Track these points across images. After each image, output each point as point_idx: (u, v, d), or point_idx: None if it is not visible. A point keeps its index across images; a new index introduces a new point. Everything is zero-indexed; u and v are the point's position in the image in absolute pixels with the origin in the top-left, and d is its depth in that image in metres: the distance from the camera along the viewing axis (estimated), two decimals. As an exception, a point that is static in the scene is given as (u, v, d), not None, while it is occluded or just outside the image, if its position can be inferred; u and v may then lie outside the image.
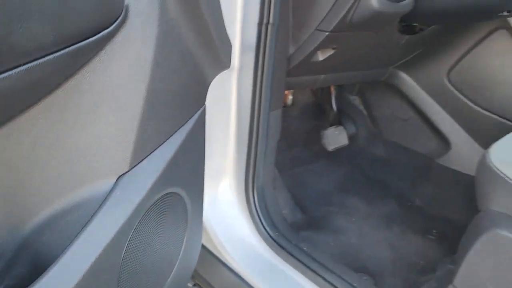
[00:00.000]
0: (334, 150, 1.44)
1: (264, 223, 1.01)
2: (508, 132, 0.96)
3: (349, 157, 1.51)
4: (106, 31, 0.43)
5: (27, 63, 0.35)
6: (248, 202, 1.02)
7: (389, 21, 0.96)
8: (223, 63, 0.65)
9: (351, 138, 1.51)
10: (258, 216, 1.01)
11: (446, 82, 1.32)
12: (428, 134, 1.44)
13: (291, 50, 0.97)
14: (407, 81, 1.40)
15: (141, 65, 0.49)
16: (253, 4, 0.84)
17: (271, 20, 0.84)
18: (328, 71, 1.13)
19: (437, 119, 1.38)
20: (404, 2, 0.87)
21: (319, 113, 1.56)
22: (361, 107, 1.59)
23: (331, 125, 1.46)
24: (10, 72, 0.34)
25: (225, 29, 0.64)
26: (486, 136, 1.27)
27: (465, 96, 1.29)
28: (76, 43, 0.39)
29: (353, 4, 0.83)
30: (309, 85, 1.16)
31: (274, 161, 1.05)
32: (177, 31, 0.54)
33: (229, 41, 0.65)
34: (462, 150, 1.35)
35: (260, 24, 0.85)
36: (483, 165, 0.82)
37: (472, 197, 0.89)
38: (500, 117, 1.24)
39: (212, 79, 0.67)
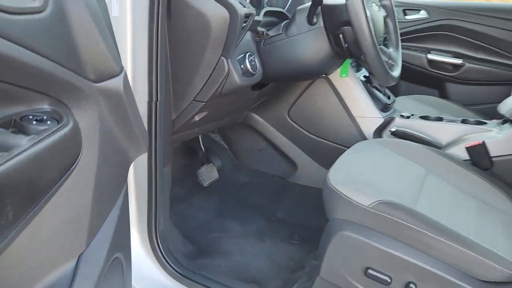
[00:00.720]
0: (208, 185, 1.69)
1: (169, 262, 1.20)
2: (337, 153, 1.35)
3: (221, 186, 1.77)
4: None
5: None
6: (153, 247, 1.19)
7: (248, 88, 1.26)
8: (143, 149, 0.83)
9: (219, 170, 1.77)
10: (164, 257, 1.19)
11: (287, 118, 1.70)
12: (280, 159, 1.80)
13: (173, 116, 1.19)
14: (259, 120, 1.74)
15: (89, 171, 0.64)
16: (142, 86, 1.03)
17: (159, 98, 1.04)
18: (201, 125, 1.37)
19: (284, 147, 1.74)
20: (256, 75, 1.18)
21: (190, 153, 1.79)
22: (223, 143, 1.88)
23: (202, 164, 1.71)
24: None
25: (142, 122, 0.83)
26: (323, 157, 1.68)
27: (303, 128, 1.69)
28: None
29: (222, 81, 1.10)
30: (186, 138, 1.39)
31: (169, 207, 1.25)
32: (112, 134, 0.71)
33: (145, 131, 0.84)
34: (306, 169, 1.74)
35: (149, 102, 1.04)
36: (325, 185, 1.17)
37: (319, 205, 1.23)
38: (330, 141, 1.66)
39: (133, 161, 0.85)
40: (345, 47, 1.22)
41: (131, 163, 0.85)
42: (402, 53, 1.65)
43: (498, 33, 2.20)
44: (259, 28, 1.26)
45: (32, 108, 0.51)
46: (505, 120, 1.50)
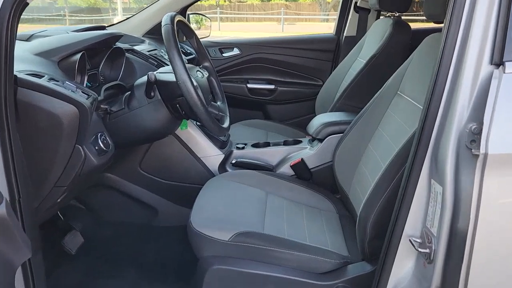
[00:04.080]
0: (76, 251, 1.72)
1: None
2: (191, 191, 1.55)
3: (87, 248, 1.81)
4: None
5: None
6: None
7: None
8: (27, 254, 0.91)
9: (84, 231, 1.81)
10: None
11: (140, 170, 1.84)
12: (140, 208, 1.92)
13: (36, 203, 1.24)
14: (112, 177, 1.84)
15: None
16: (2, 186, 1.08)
17: (21, 196, 1.10)
18: (62, 203, 1.43)
19: (142, 196, 1.88)
20: (109, 150, 1.31)
21: (47, 224, 1.78)
22: (79, 205, 1.92)
23: (65, 233, 1.73)
24: None
25: (23, 232, 0.91)
26: (179, 197, 1.87)
27: (156, 176, 1.85)
28: None
29: (80, 166, 1.20)
30: (48, 217, 1.43)
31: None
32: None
33: (28, 239, 0.92)
34: (167, 212, 1.91)
35: (12, 201, 1.09)
36: (190, 229, 1.37)
37: (186, 240, 1.41)
38: (183, 183, 1.86)
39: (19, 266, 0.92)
40: (183, 113, 1.44)
41: (17, 268, 0.92)
42: (226, 85, 1.94)
43: (296, 60, 2.71)
44: (102, 106, 1.39)
45: None
46: (313, 138, 1.92)
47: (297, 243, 1.34)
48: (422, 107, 1.02)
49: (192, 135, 1.82)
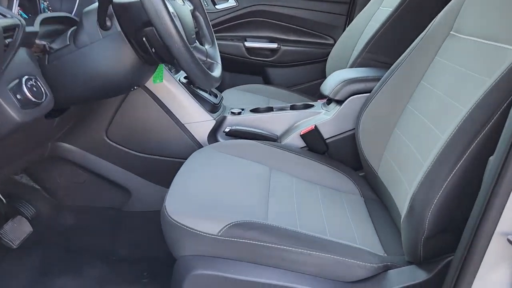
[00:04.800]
0: (20, 244, 1.32)
1: None
2: (173, 168, 1.16)
3: (39, 239, 1.42)
4: None
5: None
6: None
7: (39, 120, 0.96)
8: None
9: (34, 220, 1.41)
10: None
11: (107, 140, 1.43)
12: (108, 188, 1.52)
13: None
14: (71, 149, 1.42)
15: None
16: None
17: None
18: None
19: (110, 174, 1.48)
20: (43, 103, 0.89)
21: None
22: (33, 184, 1.51)
23: (6, 220, 1.33)
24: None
25: None
26: (157, 175, 1.47)
27: (127, 147, 1.44)
28: None
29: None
30: None
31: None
32: None
33: None
34: (142, 193, 1.51)
35: None
36: (164, 219, 0.97)
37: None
38: (162, 157, 1.45)
39: None
40: (153, 52, 1.02)
41: None
42: (220, 44, 1.54)
43: (303, 13, 2.27)
44: (37, 41, 0.96)
45: None
46: (329, 100, 1.51)
47: (316, 239, 0.95)
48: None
49: (173, 93, 1.41)
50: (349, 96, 1.41)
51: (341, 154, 1.43)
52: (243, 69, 2.34)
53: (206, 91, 1.53)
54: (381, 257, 0.95)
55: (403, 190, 1.05)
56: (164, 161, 1.45)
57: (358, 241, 1.00)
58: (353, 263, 0.91)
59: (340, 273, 0.91)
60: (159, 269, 1.38)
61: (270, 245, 0.90)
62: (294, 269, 0.91)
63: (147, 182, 1.50)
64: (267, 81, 2.36)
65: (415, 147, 1.07)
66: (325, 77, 2.24)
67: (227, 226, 0.92)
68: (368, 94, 1.35)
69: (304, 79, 2.30)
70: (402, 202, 1.00)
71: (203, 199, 1.02)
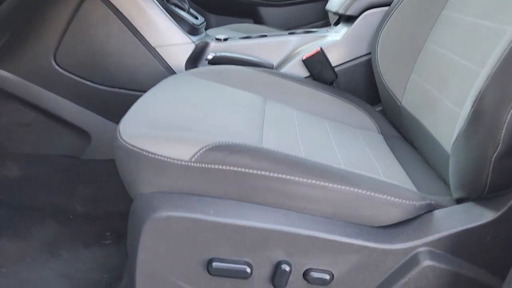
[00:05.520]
0: None
1: None
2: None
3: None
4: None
5: None
6: None
7: None
8: None
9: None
10: None
11: (55, 66, 1.13)
12: (61, 131, 1.23)
13: None
14: (9, 78, 1.12)
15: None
16: None
17: None
18: None
19: (63, 111, 1.18)
20: None
21: None
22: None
23: None
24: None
25: None
26: (120, 111, 1.17)
27: (81, 76, 1.14)
28: None
29: None
30: None
31: None
32: None
33: None
34: (104, 137, 1.22)
35: None
36: (117, 147, 0.69)
37: None
38: (127, 89, 1.16)
39: None
40: None
41: None
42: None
43: None
44: None
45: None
46: (337, 22, 1.22)
47: (330, 168, 0.67)
48: None
49: (140, 6, 1.11)
50: (363, 11, 1.13)
51: (353, 85, 1.15)
52: (229, 10, 2.03)
53: (184, 9, 1.23)
54: (421, 194, 0.68)
55: (445, 111, 0.78)
56: (129, 96, 1.16)
57: (382, 175, 0.73)
58: (385, 199, 0.63)
59: (365, 214, 0.64)
60: (124, 228, 1.10)
61: (265, 173, 0.62)
62: (299, 209, 0.64)
63: (110, 122, 1.21)
64: (259, 23, 2.06)
65: (462, 56, 0.79)
66: (327, 19, 1.95)
67: (203, 149, 0.63)
68: (388, 7, 1.07)
69: (303, 21, 2.00)
70: (446, 125, 0.73)
71: (171, 120, 0.73)
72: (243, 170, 0.62)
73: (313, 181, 0.62)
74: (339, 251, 0.62)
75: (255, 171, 0.62)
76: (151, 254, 0.64)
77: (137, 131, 0.69)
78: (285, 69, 1.15)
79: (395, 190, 0.65)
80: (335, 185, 0.63)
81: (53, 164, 1.24)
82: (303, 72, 1.14)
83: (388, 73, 1.03)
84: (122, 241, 1.08)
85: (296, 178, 0.62)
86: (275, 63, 1.20)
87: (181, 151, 0.64)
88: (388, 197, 0.63)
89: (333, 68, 1.12)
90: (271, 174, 0.62)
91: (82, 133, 1.23)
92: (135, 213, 0.66)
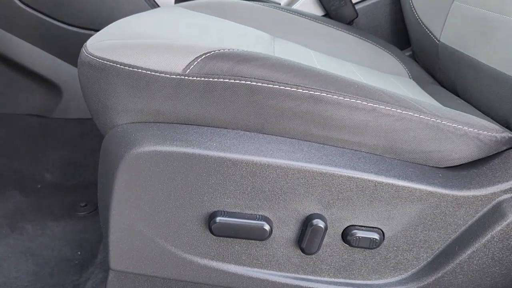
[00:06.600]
0: None
1: None
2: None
3: None
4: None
5: None
6: None
7: None
8: None
9: None
10: None
11: (20, 5, 0.93)
12: (28, 85, 1.06)
13: None
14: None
15: None
16: None
17: None
18: None
19: (30, 61, 1.00)
20: None
21: None
22: None
23: None
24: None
25: None
26: None
27: (48, 15, 0.96)
28: None
29: None
30: None
31: None
32: None
33: None
34: (77, 91, 1.02)
35: None
36: (82, 64, 0.50)
37: None
38: (98, 30, 0.98)
39: None
40: None
41: None
42: None
43: None
44: None
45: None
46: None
47: (381, 90, 0.48)
48: None
49: None
50: None
51: (375, 27, 0.97)
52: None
53: None
54: (500, 126, 0.50)
55: (504, 33, 0.60)
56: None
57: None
58: (455, 129, 0.45)
59: (430, 149, 0.46)
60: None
61: (291, 89, 0.44)
62: (339, 143, 0.46)
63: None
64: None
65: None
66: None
67: (202, 57, 0.45)
68: None
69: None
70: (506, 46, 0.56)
71: (157, 32, 0.54)
72: (259, 84, 0.44)
73: (358, 101, 0.44)
74: (393, 201, 0.44)
75: (276, 86, 0.44)
76: (129, 207, 0.45)
77: (109, 42, 0.50)
78: (296, 5, 0.97)
79: (468, 119, 0.47)
80: (388, 108, 0.45)
81: (17, 125, 1.06)
82: (318, 11, 0.96)
83: (423, 6, 0.85)
84: (98, 212, 0.89)
85: (335, 97, 0.44)
86: (282, 0, 1.02)
87: (172, 62, 0.45)
88: (460, 126, 0.45)
89: (353, 5, 0.94)
90: (300, 90, 0.44)
91: (51, 87, 1.06)
92: (107, 150, 0.47)
